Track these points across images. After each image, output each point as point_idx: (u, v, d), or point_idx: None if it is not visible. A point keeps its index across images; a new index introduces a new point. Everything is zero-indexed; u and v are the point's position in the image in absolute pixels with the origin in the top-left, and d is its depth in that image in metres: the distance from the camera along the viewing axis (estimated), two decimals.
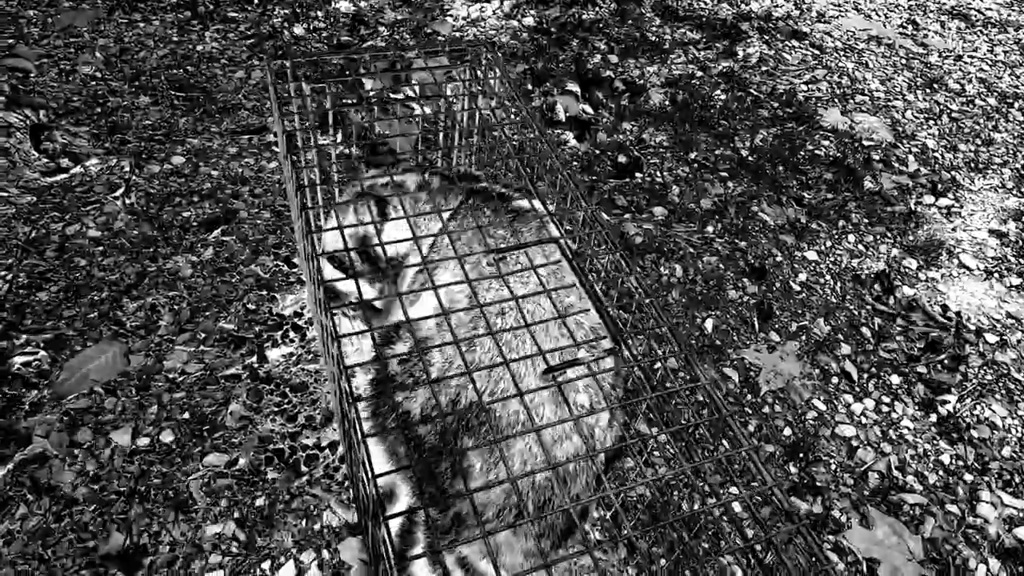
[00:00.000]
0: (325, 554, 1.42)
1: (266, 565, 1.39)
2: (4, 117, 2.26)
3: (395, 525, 1.27)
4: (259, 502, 1.48)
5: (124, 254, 1.92)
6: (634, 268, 1.14)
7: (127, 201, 2.06)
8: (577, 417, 0.88)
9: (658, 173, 2.48)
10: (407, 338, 1.25)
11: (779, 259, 2.23)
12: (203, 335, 1.76)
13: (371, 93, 2.58)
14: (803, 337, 2.01)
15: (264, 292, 1.89)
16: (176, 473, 1.50)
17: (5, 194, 2.03)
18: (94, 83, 2.47)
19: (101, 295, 1.81)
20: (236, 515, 1.45)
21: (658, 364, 1.82)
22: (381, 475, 0.81)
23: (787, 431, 1.77)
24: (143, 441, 1.55)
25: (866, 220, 2.42)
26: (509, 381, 1.15)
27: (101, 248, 1.92)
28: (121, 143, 2.25)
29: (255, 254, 1.98)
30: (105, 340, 1.71)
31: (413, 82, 1.49)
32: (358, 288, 0.97)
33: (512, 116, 1.50)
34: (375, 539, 0.93)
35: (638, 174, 2.46)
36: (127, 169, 2.16)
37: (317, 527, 1.45)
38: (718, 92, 2.92)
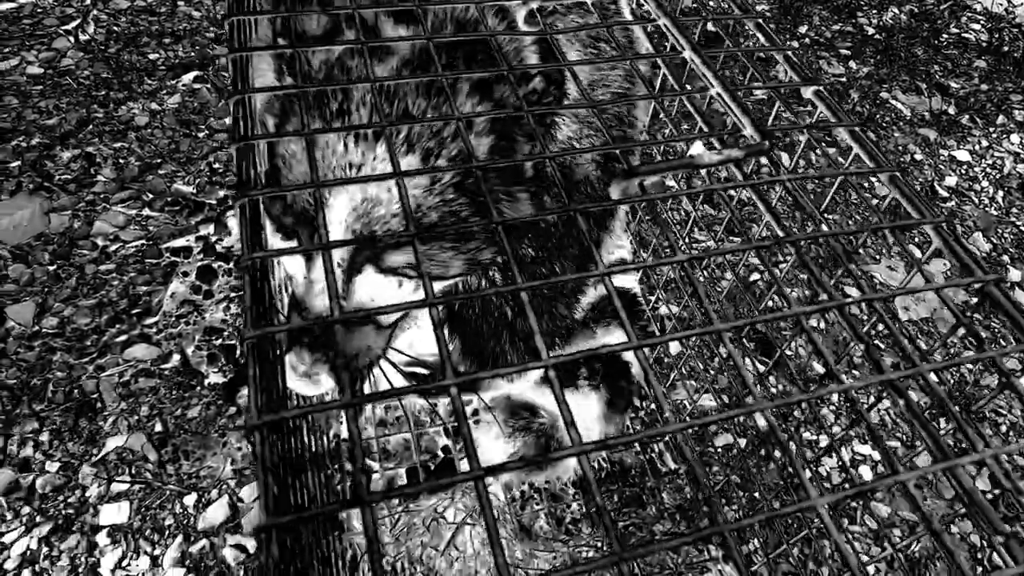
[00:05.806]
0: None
1: (190, 500, 0.98)
2: None
3: None
4: (192, 412, 1.06)
5: (68, 96, 1.50)
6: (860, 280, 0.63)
7: (81, 37, 1.64)
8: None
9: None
10: None
11: (918, 157, 1.68)
12: (150, 196, 1.34)
13: None
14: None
15: None
16: (86, 366, 1.10)
17: None
18: None
19: (30, 141, 1.40)
20: (158, 427, 1.04)
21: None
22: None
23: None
24: (51, 321, 1.14)
25: None
26: None
27: (40, 88, 1.51)
28: None
29: None
30: (23, 194, 1.30)
31: None
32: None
33: None
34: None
35: (729, 44, 1.91)
36: (87, 2, 1.72)
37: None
38: None
